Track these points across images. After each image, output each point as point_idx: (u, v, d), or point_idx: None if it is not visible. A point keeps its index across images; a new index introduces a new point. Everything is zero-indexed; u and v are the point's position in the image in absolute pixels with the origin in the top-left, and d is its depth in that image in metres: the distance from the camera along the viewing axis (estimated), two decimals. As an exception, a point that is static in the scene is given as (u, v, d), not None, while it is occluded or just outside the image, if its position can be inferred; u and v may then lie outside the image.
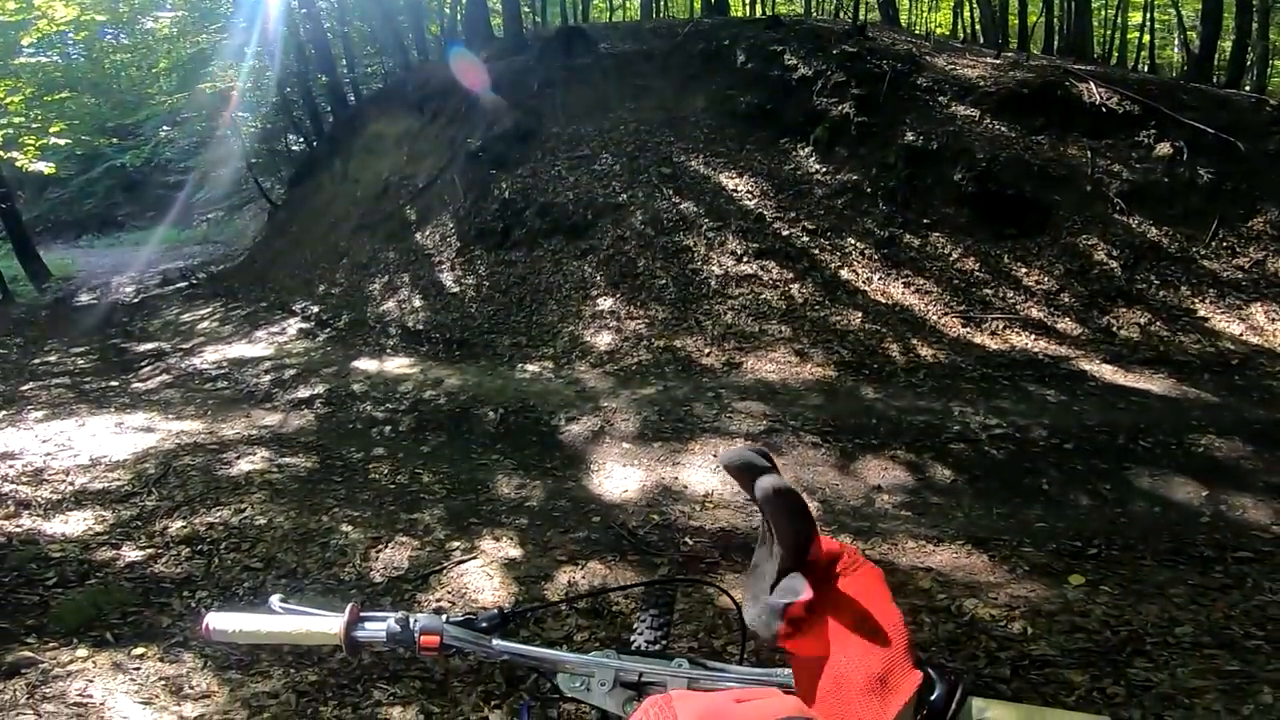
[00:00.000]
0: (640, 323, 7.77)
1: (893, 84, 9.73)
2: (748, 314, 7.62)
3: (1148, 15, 15.54)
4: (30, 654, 3.37)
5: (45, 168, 10.04)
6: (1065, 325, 7.38)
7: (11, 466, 5.72)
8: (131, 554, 4.37)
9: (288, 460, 5.81)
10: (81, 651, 3.42)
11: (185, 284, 13.86)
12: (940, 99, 9.63)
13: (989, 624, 3.38)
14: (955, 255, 8.16)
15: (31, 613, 3.74)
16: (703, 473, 5.18)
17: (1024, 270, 7.98)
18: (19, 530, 4.67)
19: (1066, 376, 6.57)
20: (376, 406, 6.96)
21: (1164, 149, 8.69)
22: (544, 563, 4.15)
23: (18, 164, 10.06)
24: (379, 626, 1.01)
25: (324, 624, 1.01)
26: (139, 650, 3.45)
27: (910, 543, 4.23)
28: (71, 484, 5.41)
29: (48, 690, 3.14)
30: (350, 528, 4.64)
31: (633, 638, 1.19)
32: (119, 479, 5.49)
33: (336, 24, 17.20)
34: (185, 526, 4.70)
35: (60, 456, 5.95)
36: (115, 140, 17.53)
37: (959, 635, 3.31)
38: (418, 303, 9.40)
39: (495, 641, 1.02)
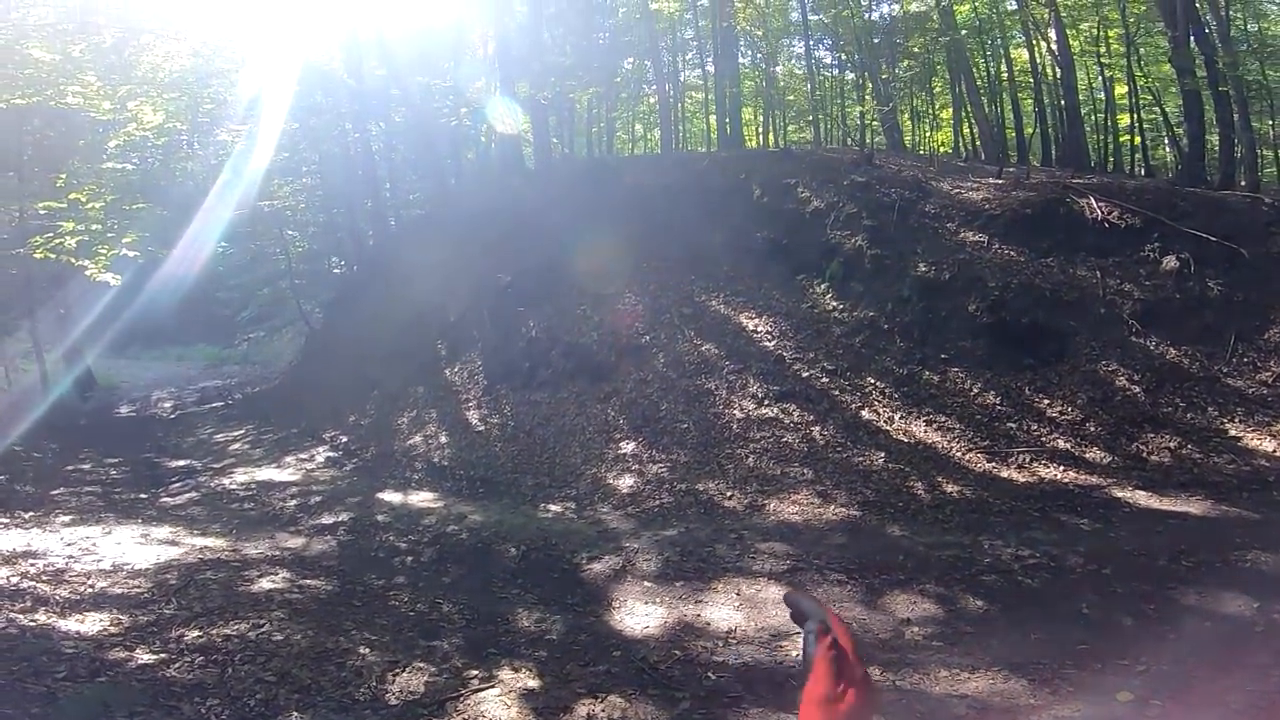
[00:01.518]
0: (662, 466, 7.86)
1: (902, 213, 10.17)
2: (770, 457, 7.68)
3: (1135, 116, 16.03)
4: (35, 741, 3.30)
5: (111, 279, 10.06)
6: (1094, 454, 7.38)
7: (33, 565, 5.73)
8: (144, 657, 4.32)
9: (308, 582, 5.79)
10: (84, 747, 3.34)
11: (221, 404, 14.23)
12: (949, 225, 10.01)
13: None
14: (975, 390, 8.28)
15: (37, 702, 3.69)
16: (726, 610, 5.10)
17: (1046, 401, 8.04)
18: (33, 624, 4.64)
19: (1099, 505, 6.52)
20: (399, 537, 6.98)
21: (1170, 263, 8.90)
22: (563, 694, 4.06)
23: (88, 273, 10.05)
24: None
25: None
26: (144, 751, 3.37)
27: (943, 672, 4.12)
28: (91, 587, 5.41)
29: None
30: (367, 650, 4.58)
31: None
32: (139, 586, 5.47)
33: (384, 148, 18.03)
34: (201, 636, 4.64)
35: (83, 560, 5.95)
36: (175, 252, 17.86)
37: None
38: (444, 439, 9.56)
39: None
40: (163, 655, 4.35)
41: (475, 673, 4.33)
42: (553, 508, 7.62)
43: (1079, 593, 5.00)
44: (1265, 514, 6.01)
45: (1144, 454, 7.34)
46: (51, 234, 10.07)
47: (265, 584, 5.65)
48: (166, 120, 11.84)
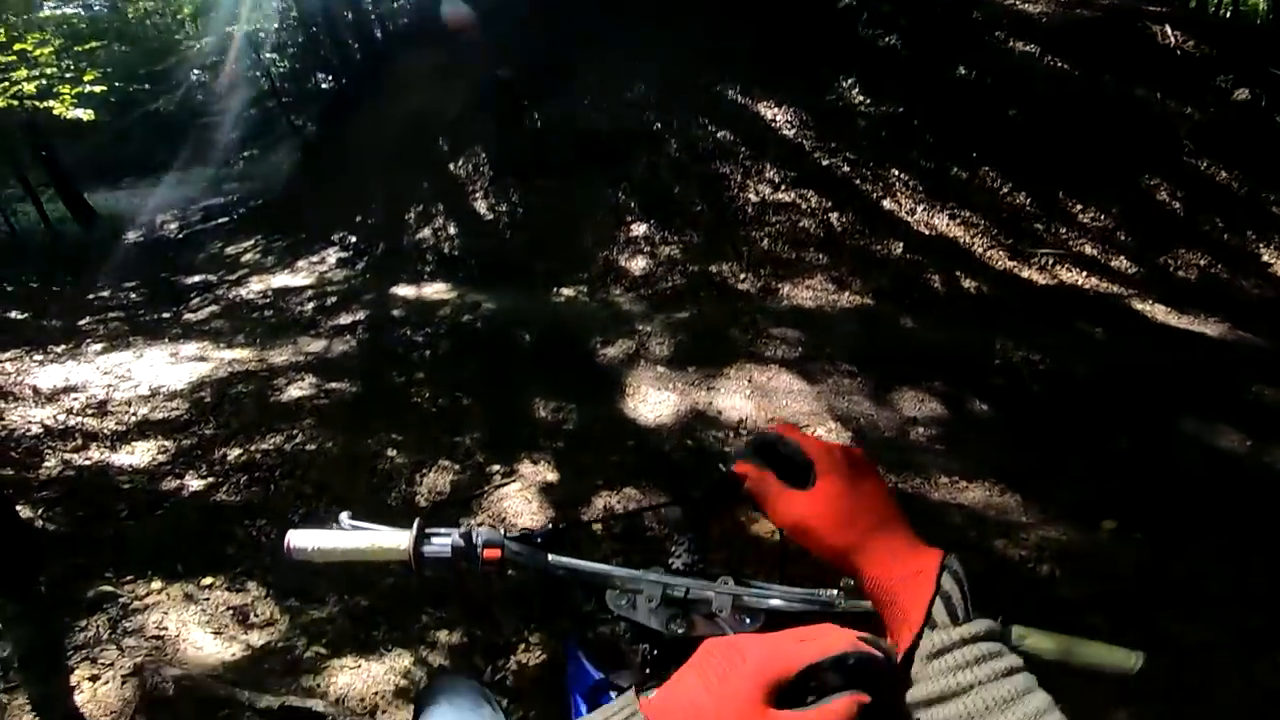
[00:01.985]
0: (674, 248, 7.67)
1: (945, 15, 9.05)
2: (785, 241, 7.42)
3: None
4: (110, 589, 3.60)
5: (84, 114, 9.88)
6: (1119, 263, 7.04)
7: (76, 399, 5.99)
8: (194, 483, 4.61)
9: (333, 385, 5.96)
10: (156, 584, 3.65)
11: (227, 219, 14.09)
12: (997, 34, 8.89)
13: (1016, 564, 3.42)
14: (1005, 190, 7.73)
15: (107, 547, 3.96)
16: (737, 399, 5.20)
17: (1079, 206, 7.52)
18: (88, 463, 4.91)
19: (1116, 313, 6.33)
20: (416, 331, 7.04)
21: (1242, 94, 8.01)
22: (580, 487, 4.27)
23: (55, 111, 9.91)
24: (444, 541, 1.03)
25: (393, 539, 1.04)
26: (207, 580, 3.68)
27: (943, 478, 4.20)
28: (134, 415, 5.67)
29: (128, 624, 3.38)
30: (395, 452, 4.81)
31: (671, 561, 1.19)
32: (177, 408, 5.73)
33: (357, -47, 16.92)
34: (243, 454, 4.91)
35: (121, 388, 6.20)
36: (148, 86, 17.82)
37: (985, 574, 3.35)
38: (453, 230, 9.39)
39: (550, 556, 1.04)
40: (210, 479, 4.63)
41: (497, 468, 4.54)
42: (565, 291, 7.59)
43: (1082, 407, 4.91)
44: (1277, 344, 5.75)
45: (1171, 268, 6.93)
46: (6, 83, 9.78)
47: (294, 391, 5.86)
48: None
